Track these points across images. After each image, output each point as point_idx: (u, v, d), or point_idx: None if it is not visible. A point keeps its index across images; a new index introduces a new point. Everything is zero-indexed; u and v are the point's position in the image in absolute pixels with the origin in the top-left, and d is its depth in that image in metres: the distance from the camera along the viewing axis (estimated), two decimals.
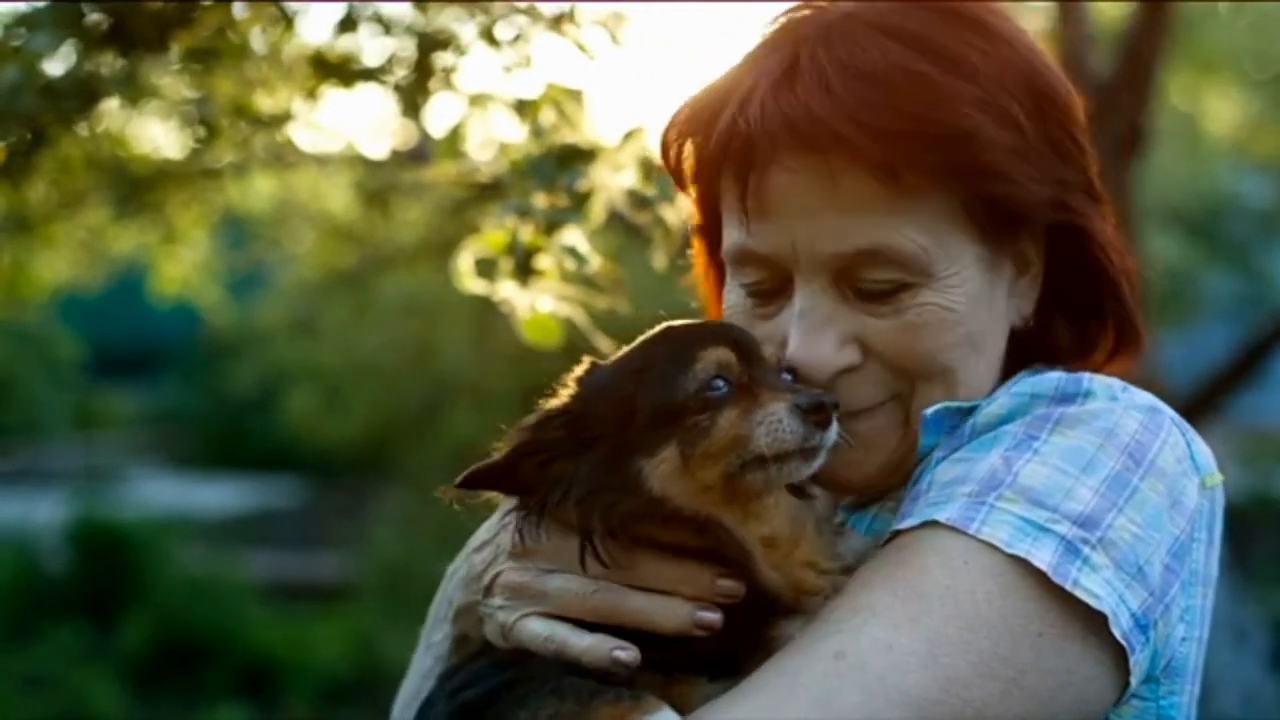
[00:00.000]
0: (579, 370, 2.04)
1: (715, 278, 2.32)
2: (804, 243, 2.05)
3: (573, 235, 3.01)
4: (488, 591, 2.03)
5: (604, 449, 1.93)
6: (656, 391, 1.93)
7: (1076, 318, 2.25)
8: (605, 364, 2.04)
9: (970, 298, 2.08)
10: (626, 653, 1.87)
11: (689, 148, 2.19)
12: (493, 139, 3.78)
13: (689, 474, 1.90)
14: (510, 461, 1.95)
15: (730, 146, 2.07)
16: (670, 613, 1.90)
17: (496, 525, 2.10)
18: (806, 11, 2.14)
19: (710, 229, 2.26)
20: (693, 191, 2.26)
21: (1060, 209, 2.12)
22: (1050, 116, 2.11)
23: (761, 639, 1.91)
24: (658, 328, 2.04)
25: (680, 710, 1.82)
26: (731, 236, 2.14)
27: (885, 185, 2.00)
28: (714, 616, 1.89)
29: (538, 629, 1.93)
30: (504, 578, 2.01)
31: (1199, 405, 9.29)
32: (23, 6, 3.99)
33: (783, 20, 2.16)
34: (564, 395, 2.01)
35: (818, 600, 1.93)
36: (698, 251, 2.38)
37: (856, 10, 2.10)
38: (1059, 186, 2.11)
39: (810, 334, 2.06)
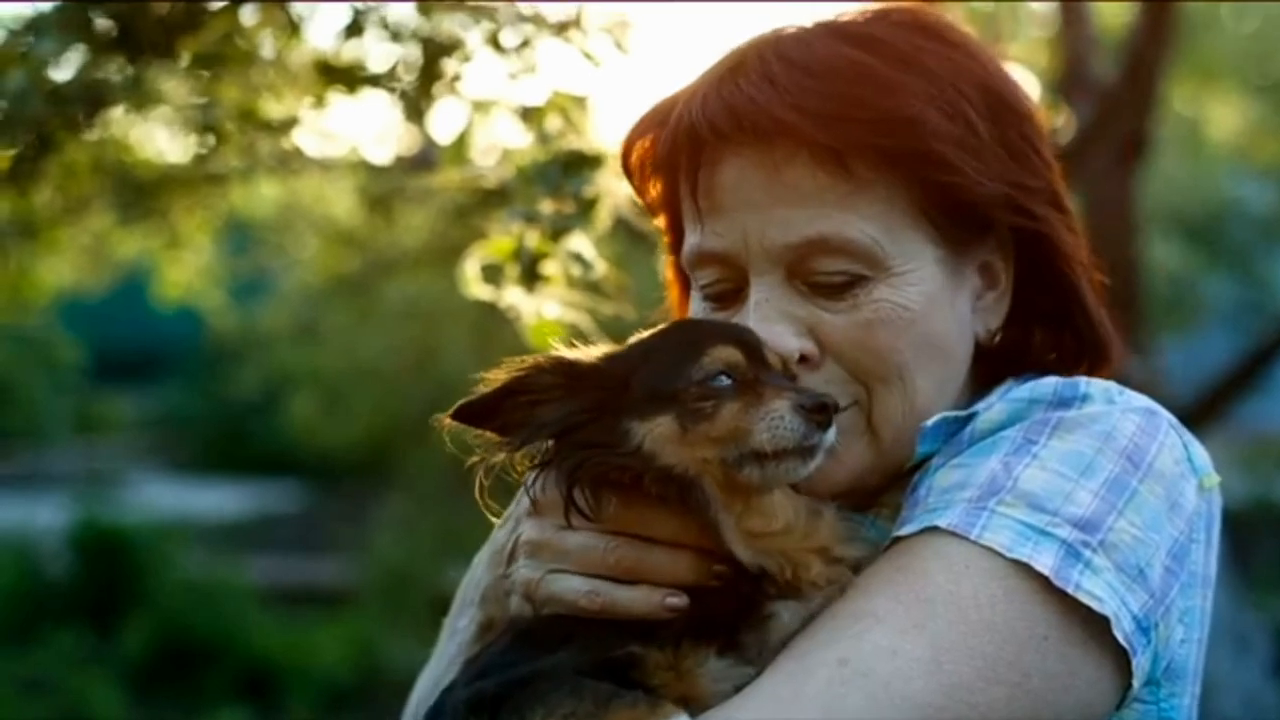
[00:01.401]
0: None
1: (685, 299, 2.34)
2: (754, 235, 2.06)
3: (579, 241, 3.02)
4: (511, 558, 2.04)
5: (593, 401, 1.95)
6: (659, 373, 1.96)
7: (1052, 330, 2.25)
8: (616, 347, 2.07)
9: (928, 298, 2.08)
10: (678, 599, 1.89)
11: (645, 151, 2.22)
12: (497, 144, 3.78)
13: (685, 444, 1.92)
14: (498, 397, 1.96)
15: (678, 142, 2.11)
16: (689, 564, 1.91)
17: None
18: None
19: (677, 244, 2.28)
20: (658, 206, 2.28)
21: (1017, 212, 2.12)
22: (1007, 122, 2.12)
23: (758, 616, 1.92)
24: (674, 321, 2.09)
25: (689, 690, 1.85)
26: (689, 240, 2.16)
27: (831, 175, 2.02)
28: (724, 566, 1.91)
29: (576, 585, 1.94)
30: (524, 536, 2.02)
31: (1201, 411, 9.29)
32: (28, 10, 4.00)
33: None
34: (565, 351, 2.03)
35: (819, 590, 1.93)
36: (670, 275, 2.39)
37: (819, 22, 2.14)
38: (1015, 189, 2.11)
39: (765, 323, 2.06)
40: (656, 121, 2.19)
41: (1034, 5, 10.16)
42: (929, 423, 2.06)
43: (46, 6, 4.01)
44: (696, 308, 2.20)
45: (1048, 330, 2.25)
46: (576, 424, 1.95)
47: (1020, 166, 2.13)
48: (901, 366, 2.08)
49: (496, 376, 1.97)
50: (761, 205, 2.05)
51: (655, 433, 1.92)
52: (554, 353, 2.01)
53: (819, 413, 1.91)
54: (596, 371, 1.99)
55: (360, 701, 11.60)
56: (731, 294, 2.14)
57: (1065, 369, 2.21)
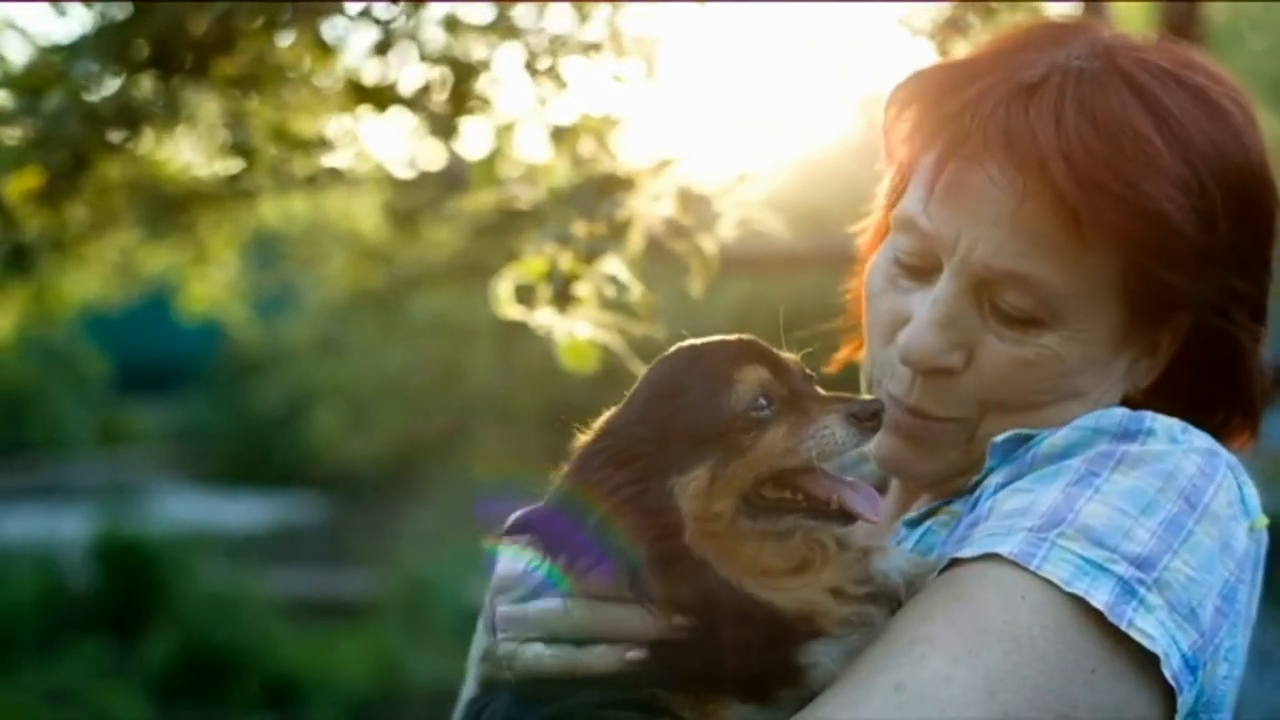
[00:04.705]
0: (603, 416, 2.02)
1: (875, 248, 2.36)
2: (966, 241, 2.10)
3: (613, 264, 3.04)
4: (492, 630, 2.07)
5: (640, 470, 1.92)
6: (698, 412, 1.93)
7: (1192, 408, 2.24)
8: (629, 395, 2.03)
9: (1087, 359, 2.13)
10: (636, 652, 1.90)
11: (910, 113, 2.23)
12: (526, 162, 3.80)
13: (716, 493, 1.90)
14: (555, 509, 1.94)
15: (946, 129, 2.13)
16: (645, 620, 1.91)
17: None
18: (1074, 32, 2.19)
19: (895, 200, 2.30)
20: (901, 160, 2.29)
21: (1217, 313, 2.16)
22: (1248, 219, 2.13)
23: (790, 666, 1.90)
24: (679, 348, 2.04)
25: None
26: (908, 204, 2.19)
27: (1062, 226, 2.05)
28: (684, 619, 1.90)
29: (540, 650, 1.96)
30: (499, 613, 2.05)
31: None
32: (63, 28, 4.04)
33: (1049, 30, 2.23)
34: (598, 430, 2.00)
35: (847, 628, 1.93)
36: (877, 222, 2.40)
37: (1116, 50, 2.14)
38: (1225, 294, 2.14)
39: (932, 325, 2.12)
40: (931, 94, 2.21)
41: (1055, 17, 10.15)
42: (999, 439, 2.11)
43: (82, 9, 4.05)
44: (882, 263, 2.25)
45: (1188, 406, 2.24)
46: (637, 506, 1.90)
47: (1240, 270, 2.15)
48: (1034, 404, 2.14)
49: (550, 494, 1.96)
50: (986, 220, 2.09)
51: (691, 488, 1.90)
52: (586, 445, 1.98)
53: (871, 420, 1.94)
54: (636, 439, 1.94)
55: (382, 714, 11.61)
56: (919, 271, 2.18)
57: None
